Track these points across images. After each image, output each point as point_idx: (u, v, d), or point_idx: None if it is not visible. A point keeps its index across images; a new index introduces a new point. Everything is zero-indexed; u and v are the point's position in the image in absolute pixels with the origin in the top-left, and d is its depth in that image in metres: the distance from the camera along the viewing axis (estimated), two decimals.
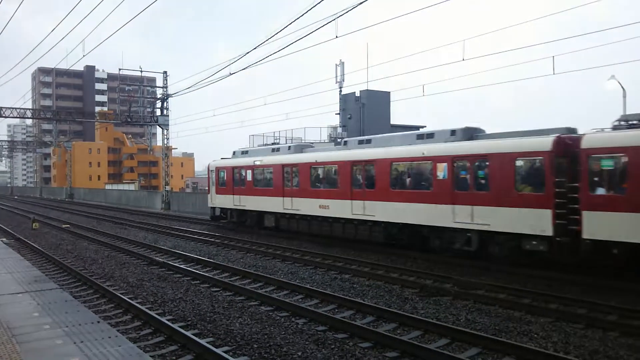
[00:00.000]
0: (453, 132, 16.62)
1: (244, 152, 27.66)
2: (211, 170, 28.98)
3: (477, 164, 15.25)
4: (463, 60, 23.81)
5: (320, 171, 21.78)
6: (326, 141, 49.62)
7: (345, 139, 21.17)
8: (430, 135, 17.44)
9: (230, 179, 26.89)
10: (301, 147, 24.02)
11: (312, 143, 24.03)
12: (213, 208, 29.45)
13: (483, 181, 15.17)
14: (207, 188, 30.81)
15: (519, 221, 13.89)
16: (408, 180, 17.74)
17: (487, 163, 14.94)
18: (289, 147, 24.35)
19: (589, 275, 13.22)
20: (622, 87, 24.33)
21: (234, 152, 28.51)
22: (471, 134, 16.51)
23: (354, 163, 19.49)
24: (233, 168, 26.80)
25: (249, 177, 25.34)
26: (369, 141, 20.04)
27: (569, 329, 9.69)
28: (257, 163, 25.02)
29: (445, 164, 15.92)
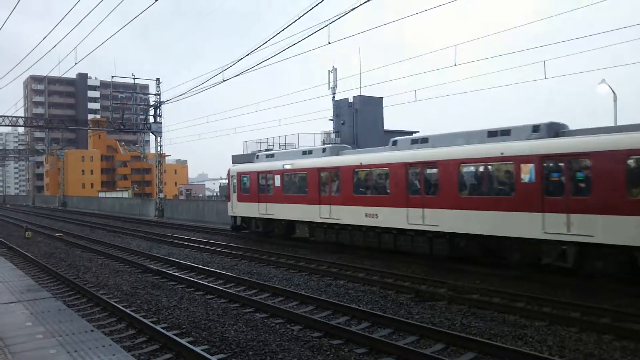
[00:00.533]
0: (536, 127, 14.48)
1: (270, 156, 25.24)
2: (232, 176, 26.75)
3: (574, 164, 13.15)
4: (455, 65, 23.96)
5: (365, 175, 19.45)
6: (320, 147, 49.62)
7: (395, 139, 18.77)
8: (505, 132, 15.12)
9: (255, 185, 24.59)
10: (337, 149, 21.81)
11: (312, 148, 23.22)
12: (234, 217, 27.12)
13: (583, 184, 13.03)
14: (225, 195, 30.22)
15: (633, 232, 11.77)
16: (480, 184, 15.58)
17: (589, 163, 12.81)
18: (324, 149, 22.16)
19: (580, 278, 13.25)
20: (613, 91, 24.52)
21: (257, 156, 26.45)
22: (557, 129, 14.50)
23: (410, 165, 17.15)
24: (258, 173, 24.48)
25: (278, 183, 23.00)
26: (424, 140, 17.57)
27: (563, 333, 9.71)
28: (287, 167, 22.60)
29: (531, 165, 13.75)
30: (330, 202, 20.30)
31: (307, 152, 22.73)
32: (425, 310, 11.55)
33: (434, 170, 16.54)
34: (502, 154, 14.56)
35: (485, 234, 14.85)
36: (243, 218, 26.54)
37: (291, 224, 23.19)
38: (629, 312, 10.31)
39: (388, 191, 18.08)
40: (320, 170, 20.90)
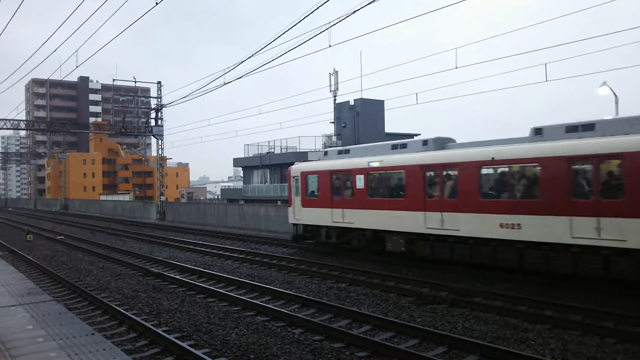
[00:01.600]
0: None
1: (344, 152, 20.98)
2: (294, 177, 22.42)
3: None
4: (456, 68, 23.97)
5: (500, 174, 15.27)
6: (320, 150, 49.73)
7: (539, 127, 14.34)
8: None
9: (327, 188, 20.33)
10: (442, 142, 17.36)
11: (406, 141, 18.56)
12: (296, 225, 22.75)
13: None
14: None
15: None
16: None
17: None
18: (424, 141, 17.57)
19: (582, 282, 13.20)
20: (614, 93, 24.50)
21: (326, 152, 22.29)
22: None
23: (577, 159, 12.85)
24: (331, 173, 20.19)
25: (360, 184, 18.80)
26: (589, 127, 13.16)
27: (566, 336, 9.67)
28: (374, 165, 18.40)
29: None
30: (441, 207, 15.92)
31: (399, 147, 18.32)
32: (426, 314, 11.51)
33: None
34: None
35: None
36: (308, 226, 22.11)
37: (379, 235, 18.45)
38: (633, 315, 10.27)
39: (539, 195, 13.58)
40: (425, 167, 16.51)
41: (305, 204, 21.65)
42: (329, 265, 17.81)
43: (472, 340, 9.12)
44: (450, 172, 16.01)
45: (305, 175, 21.80)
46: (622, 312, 10.51)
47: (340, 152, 21.13)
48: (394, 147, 18.46)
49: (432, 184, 16.49)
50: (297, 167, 22.47)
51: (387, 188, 18.39)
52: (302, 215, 21.88)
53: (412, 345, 9.29)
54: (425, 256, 16.63)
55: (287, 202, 44.30)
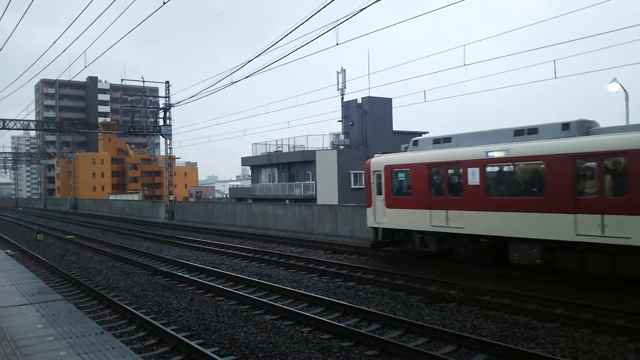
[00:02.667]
0: None
1: (442, 140, 17.44)
2: (374, 172, 18.97)
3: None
4: (464, 65, 23.86)
5: None
6: (329, 148, 49.73)
7: None
8: None
9: (424, 184, 16.96)
10: (586, 126, 14.02)
11: (536, 126, 14.99)
12: (376, 229, 19.18)
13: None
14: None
15: None
16: None
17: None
18: (565, 124, 14.13)
19: (593, 280, 13.11)
20: (624, 89, 24.29)
21: (416, 142, 18.63)
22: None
23: None
24: (429, 166, 16.84)
25: (474, 179, 15.33)
26: None
27: (576, 334, 9.60)
28: (496, 155, 14.92)
29: None
30: (600, 208, 12.45)
31: (526, 132, 14.97)
32: (435, 312, 11.47)
33: None
34: None
35: None
36: (392, 231, 18.56)
37: (498, 243, 14.97)
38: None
39: None
40: (577, 157, 13.12)
41: (391, 204, 18.17)
42: (337, 263, 17.76)
43: (481, 338, 9.08)
44: (619, 162, 12.57)
45: (391, 169, 18.32)
46: (634, 310, 10.42)
47: (437, 141, 17.67)
48: (518, 132, 15.11)
49: (585, 178, 13.18)
50: (379, 160, 18.88)
51: (515, 184, 14.96)
52: (387, 217, 18.34)
53: (421, 343, 9.26)
54: (572, 270, 13.31)
55: (296, 201, 44.39)
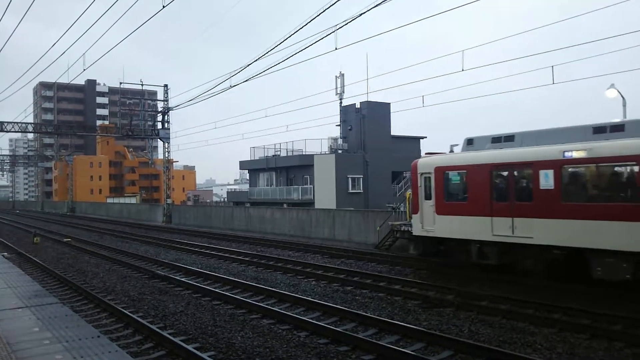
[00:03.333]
0: None
1: (503, 139, 15.81)
2: (421, 174, 17.27)
3: None
4: (462, 70, 23.93)
5: None
6: (327, 153, 49.77)
7: None
8: None
9: (484, 187, 15.13)
10: None
11: (623, 122, 13.64)
12: (423, 238, 17.35)
13: None
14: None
15: None
16: None
17: None
18: None
19: (590, 285, 13.12)
20: (622, 95, 24.36)
21: (469, 141, 16.85)
22: None
23: None
24: (491, 167, 15.12)
25: (548, 183, 13.56)
26: None
27: (573, 340, 9.60)
28: (576, 155, 13.21)
29: None
30: None
31: (609, 129, 13.44)
32: (432, 317, 11.47)
33: None
34: None
35: None
36: (441, 240, 16.74)
37: (575, 256, 13.26)
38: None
39: None
40: None
41: (443, 210, 16.35)
42: (334, 268, 17.72)
43: (479, 344, 9.07)
44: None
45: (442, 171, 16.54)
46: (632, 316, 10.43)
47: (496, 140, 15.92)
48: (599, 130, 13.58)
49: None
50: (429, 161, 17.16)
51: (599, 188, 13.15)
52: (437, 225, 16.47)
53: (418, 348, 9.25)
54: None
55: (294, 205, 44.30)
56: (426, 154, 18.00)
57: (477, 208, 15.23)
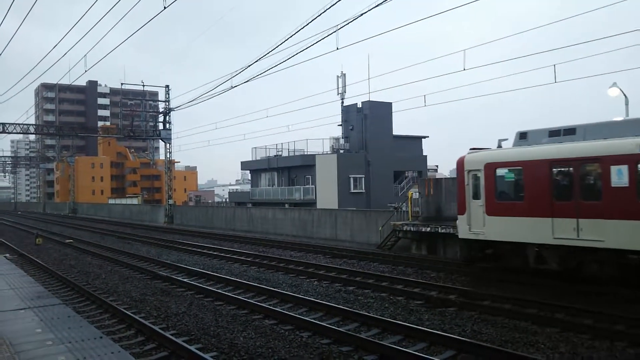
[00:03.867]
0: None
1: (561, 132, 14.42)
2: (469, 171, 15.84)
3: None
4: (464, 70, 23.91)
5: None
6: (329, 153, 49.77)
7: None
8: None
9: (544, 186, 13.75)
10: None
11: None
12: (469, 241, 15.84)
13: None
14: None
15: None
16: None
17: None
18: None
19: (594, 285, 13.10)
20: (624, 94, 24.33)
21: (524, 134, 15.31)
22: None
23: None
24: (552, 163, 13.73)
25: (620, 180, 12.33)
26: None
27: (576, 339, 9.59)
28: None
29: None
30: None
31: None
32: (435, 317, 11.45)
33: None
34: None
35: None
36: (488, 244, 15.41)
37: None
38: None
39: None
40: None
41: (494, 210, 14.96)
42: (336, 268, 17.70)
43: (481, 343, 9.06)
44: None
45: (494, 168, 15.16)
46: (634, 316, 10.41)
47: (554, 133, 14.53)
48: None
49: None
50: (477, 157, 15.76)
51: None
52: (488, 227, 15.04)
53: (421, 348, 9.24)
54: None
55: (296, 205, 44.30)
56: (471, 149, 16.49)
57: (535, 208, 13.84)
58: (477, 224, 15.35)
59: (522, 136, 15.31)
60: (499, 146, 16.08)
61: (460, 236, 16.04)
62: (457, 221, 16.15)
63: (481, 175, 15.37)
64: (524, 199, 14.29)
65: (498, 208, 14.88)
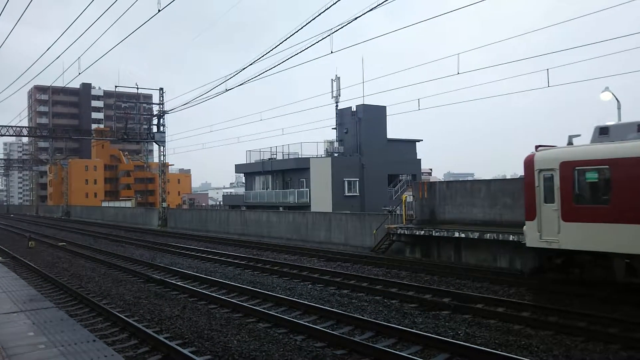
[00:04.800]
0: None
1: None
2: (541, 171, 13.84)
3: None
4: (458, 74, 23.99)
5: None
6: (323, 156, 49.78)
7: None
8: None
9: (635, 188, 11.99)
10: None
11: None
12: (539, 250, 13.71)
13: None
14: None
15: None
16: None
17: None
18: None
19: (587, 288, 13.15)
20: (617, 98, 24.48)
21: (605, 129, 13.87)
22: None
23: None
24: None
25: None
26: None
27: (569, 342, 9.62)
28: None
29: None
30: None
31: None
32: (429, 320, 11.46)
33: None
34: None
35: None
36: (554, 252, 13.42)
37: None
38: (637, 322, 10.19)
39: None
40: None
41: (572, 215, 12.98)
42: (331, 271, 17.68)
43: (475, 346, 9.07)
44: None
45: (572, 167, 13.16)
46: (628, 319, 10.46)
47: None
48: None
49: None
50: (550, 156, 13.80)
51: None
52: (564, 234, 13.03)
53: (415, 351, 9.24)
54: None
55: (290, 208, 44.23)
56: (538, 147, 14.56)
57: (626, 213, 11.94)
58: (549, 230, 13.38)
59: (603, 131, 13.75)
60: (570, 143, 14.32)
61: (528, 245, 13.96)
62: (525, 228, 14.20)
63: (555, 175, 13.42)
64: (611, 203, 12.40)
65: (577, 213, 12.95)
